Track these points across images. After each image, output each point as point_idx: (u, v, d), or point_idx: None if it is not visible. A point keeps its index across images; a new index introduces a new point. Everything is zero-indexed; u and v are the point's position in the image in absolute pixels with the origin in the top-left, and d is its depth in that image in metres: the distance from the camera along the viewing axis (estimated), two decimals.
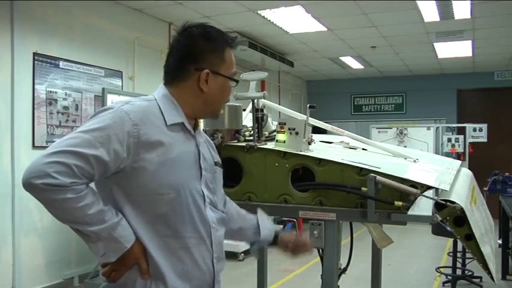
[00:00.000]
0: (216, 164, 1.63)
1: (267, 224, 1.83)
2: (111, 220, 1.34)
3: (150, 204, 1.40)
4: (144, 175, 1.38)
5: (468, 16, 6.21)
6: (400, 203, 1.79)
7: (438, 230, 4.78)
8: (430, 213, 1.75)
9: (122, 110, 1.39)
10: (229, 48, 1.56)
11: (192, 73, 1.51)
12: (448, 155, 8.25)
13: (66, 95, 4.95)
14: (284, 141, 2.03)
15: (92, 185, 1.38)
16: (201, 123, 2.17)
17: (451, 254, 5.43)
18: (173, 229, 1.43)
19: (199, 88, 1.51)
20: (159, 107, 1.47)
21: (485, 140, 9.14)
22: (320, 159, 1.96)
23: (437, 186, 1.84)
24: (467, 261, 5.50)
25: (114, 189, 1.40)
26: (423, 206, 1.78)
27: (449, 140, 9.34)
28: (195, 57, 1.51)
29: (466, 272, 5.39)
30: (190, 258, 1.46)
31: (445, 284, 5.37)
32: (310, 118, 2.08)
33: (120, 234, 1.35)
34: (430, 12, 6.07)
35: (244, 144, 2.08)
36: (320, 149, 2.17)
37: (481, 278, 5.21)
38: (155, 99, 1.49)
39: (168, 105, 1.49)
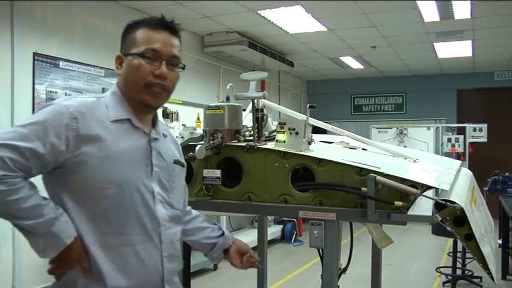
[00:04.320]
0: (176, 162, 1.59)
1: (226, 233, 1.84)
2: (49, 215, 1.33)
3: (91, 200, 1.39)
4: (85, 169, 1.37)
5: (468, 16, 6.21)
6: (400, 203, 1.79)
7: (438, 230, 4.78)
8: (430, 213, 1.75)
9: (62, 104, 1.40)
10: (146, 28, 1.52)
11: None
12: (448, 155, 8.26)
13: (66, 95, 4.95)
14: (284, 141, 2.03)
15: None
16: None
17: (451, 254, 5.43)
18: (115, 225, 1.40)
19: (118, 74, 1.53)
20: (106, 104, 1.48)
21: (485, 140, 9.14)
22: (320, 159, 1.96)
23: (437, 186, 1.84)
24: (467, 261, 5.51)
25: (58, 185, 1.40)
26: (423, 206, 1.78)
27: (449, 140, 9.34)
28: (120, 49, 1.55)
29: (466, 272, 5.39)
30: (135, 255, 1.42)
31: (445, 284, 5.38)
32: (310, 118, 2.08)
33: (59, 230, 1.33)
34: (430, 12, 6.07)
35: (244, 144, 2.08)
36: (320, 149, 2.17)
37: (481, 278, 5.21)
38: (104, 97, 1.51)
39: (115, 102, 1.49)
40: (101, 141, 1.39)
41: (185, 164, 1.67)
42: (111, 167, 1.39)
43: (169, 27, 1.55)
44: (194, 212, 1.83)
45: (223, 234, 1.82)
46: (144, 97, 1.49)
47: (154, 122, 1.56)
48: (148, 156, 1.49)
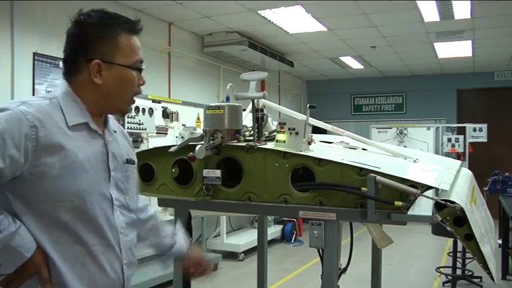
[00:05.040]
0: (128, 161, 1.52)
1: (181, 238, 1.79)
2: (7, 230, 1.23)
3: (51, 212, 1.30)
4: (44, 181, 1.28)
5: (468, 16, 6.21)
6: (400, 203, 1.79)
7: (438, 230, 4.78)
8: (430, 213, 1.75)
9: (18, 111, 1.27)
10: (127, 34, 1.43)
11: (83, 65, 1.39)
12: (448, 155, 8.26)
13: None
14: (284, 141, 2.03)
15: None
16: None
17: (451, 254, 5.44)
18: (77, 237, 1.33)
19: (93, 81, 1.39)
20: (60, 106, 1.36)
21: (485, 140, 9.15)
22: (320, 159, 1.96)
23: (437, 186, 1.84)
24: (467, 261, 5.51)
25: (11, 197, 1.29)
26: (423, 206, 1.78)
27: (449, 140, 9.34)
28: (84, 48, 1.40)
29: (466, 272, 5.39)
30: (97, 266, 1.37)
31: (445, 284, 5.38)
32: (310, 118, 2.08)
33: (18, 244, 1.24)
34: (430, 12, 6.07)
35: (244, 144, 2.08)
36: (320, 149, 2.17)
37: (481, 278, 5.21)
38: (56, 97, 1.38)
39: (70, 104, 1.38)
40: (62, 150, 1.30)
41: (135, 160, 1.60)
42: (72, 178, 1.31)
43: (140, 30, 1.49)
44: (149, 211, 1.75)
45: (175, 242, 1.77)
46: (127, 107, 1.48)
47: (105, 121, 1.49)
48: (106, 160, 1.42)
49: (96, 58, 1.39)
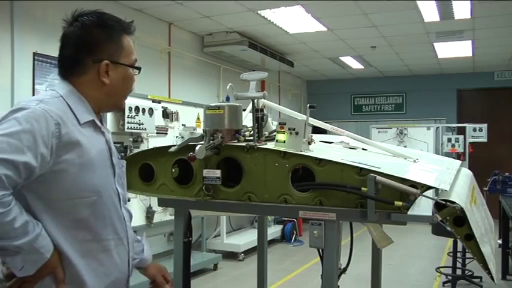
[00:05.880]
0: (122, 157, 1.59)
1: (148, 250, 1.75)
2: (33, 231, 1.24)
3: (70, 209, 1.32)
4: (65, 178, 1.30)
5: (468, 16, 6.21)
6: (400, 203, 1.79)
7: (438, 230, 4.78)
8: (430, 213, 1.75)
9: (42, 109, 1.29)
10: (127, 35, 1.50)
11: (90, 66, 1.42)
12: (448, 155, 8.26)
13: None
14: (284, 141, 2.03)
15: None
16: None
17: (451, 254, 5.44)
18: (94, 233, 1.36)
19: (100, 81, 1.42)
20: (68, 105, 1.39)
21: (485, 140, 9.15)
22: (320, 159, 1.96)
23: (437, 186, 1.84)
24: (467, 261, 5.51)
25: (30, 196, 1.30)
26: (423, 206, 1.78)
27: (449, 140, 9.35)
28: (91, 49, 1.43)
29: (466, 272, 5.39)
30: (110, 260, 1.41)
31: (445, 284, 5.38)
32: (310, 118, 2.08)
33: (40, 245, 1.25)
34: (430, 12, 6.07)
35: (244, 144, 2.08)
36: (320, 149, 2.17)
37: (481, 278, 5.22)
38: (61, 96, 1.40)
39: (76, 102, 1.41)
40: (79, 147, 1.33)
41: None
42: (90, 174, 1.34)
43: (134, 31, 1.57)
44: None
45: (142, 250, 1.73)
46: (123, 104, 1.54)
47: (101, 120, 1.53)
48: (109, 157, 1.47)
49: (104, 59, 1.42)
